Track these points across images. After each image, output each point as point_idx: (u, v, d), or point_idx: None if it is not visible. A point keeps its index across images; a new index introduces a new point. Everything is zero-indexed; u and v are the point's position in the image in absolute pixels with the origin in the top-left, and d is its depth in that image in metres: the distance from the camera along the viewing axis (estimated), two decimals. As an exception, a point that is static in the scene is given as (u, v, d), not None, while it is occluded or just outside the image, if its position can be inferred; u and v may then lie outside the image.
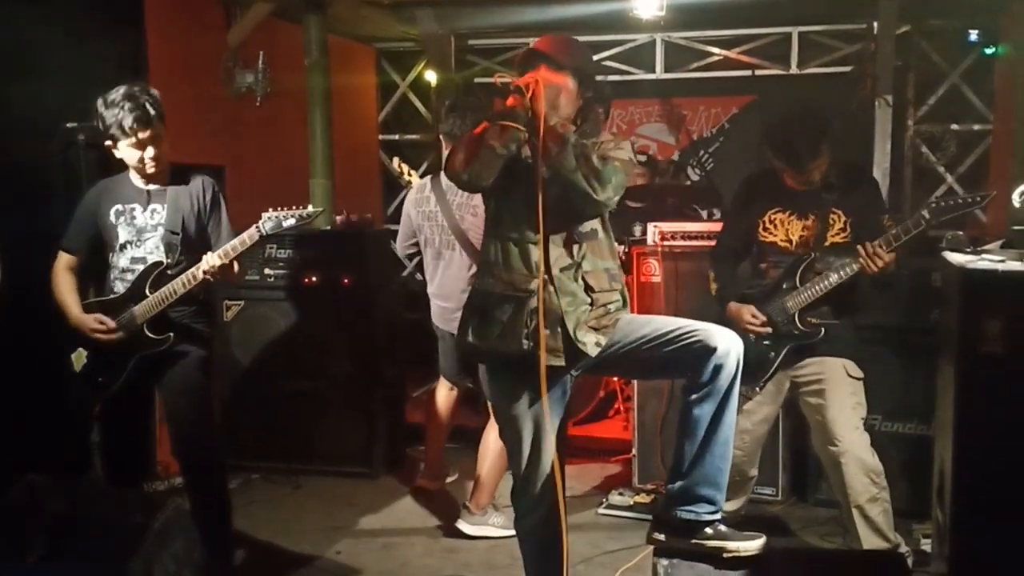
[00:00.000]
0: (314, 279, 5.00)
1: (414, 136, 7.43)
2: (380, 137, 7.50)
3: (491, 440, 4.20)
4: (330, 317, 4.99)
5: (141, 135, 3.37)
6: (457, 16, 6.58)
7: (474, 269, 4.06)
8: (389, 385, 5.18)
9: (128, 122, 3.34)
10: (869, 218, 3.52)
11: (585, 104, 2.91)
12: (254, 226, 3.47)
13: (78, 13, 4.33)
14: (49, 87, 4.20)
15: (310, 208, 3.53)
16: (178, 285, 3.43)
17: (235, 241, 3.47)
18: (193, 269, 3.41)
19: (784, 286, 3.59)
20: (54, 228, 4.07)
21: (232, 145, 5.42)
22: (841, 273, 3.46)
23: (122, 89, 3.41)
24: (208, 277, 3.40)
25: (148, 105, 3.37)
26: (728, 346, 2.76)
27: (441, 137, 4.35)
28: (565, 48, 2.91)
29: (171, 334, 3.49)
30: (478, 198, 4.01)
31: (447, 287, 4.26)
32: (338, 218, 5.26)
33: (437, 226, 4.24)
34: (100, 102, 3.40)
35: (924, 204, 3.37)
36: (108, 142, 3.44)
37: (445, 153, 4.28)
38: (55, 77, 4.21)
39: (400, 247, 4.59)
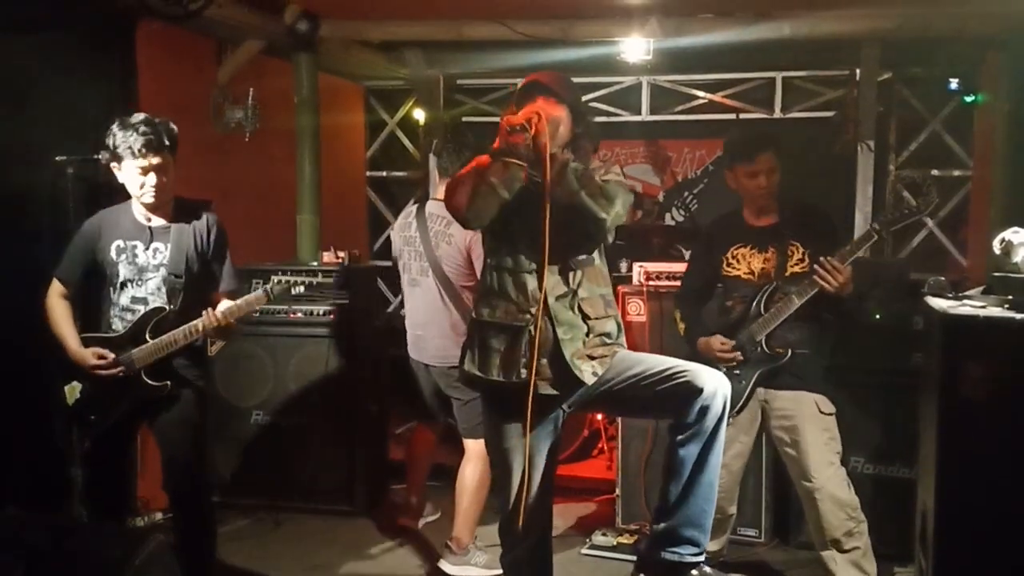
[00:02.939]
0: (298, 315, 5.00)
1: (402, 173, 7.47)
2: (368, 174, 7.54)
3: (467, 477, 4.19)
4: (314, 353, 4.98)
5: (148, 160, 3.34)
6: (446, 58, 6.65)
7: (446, 299, 4.12)
8: (372, 422, 5.16)
9: (138, 144, 3.32)
10: (824, 250, 3.59)
11: (576, 139, 2.95)
12: (262, 289, 3.50)
13: (70, 47, 4.35)
14: (40, 121, 4.21)
15: (320, 278, 3.62)
16: (179, 335, 3.40)
17: (241, 301, 3.47)
18: (195, 322, 3.39)
19: (750, 314, 3.68)
20: (40, 261, 4.06)
21: (220, 180, 5.42)
22: (803, 295, 3.55)
23: (142, 115, 3.41)
24: (207, 332, 3.41)
25: (163, 133, 3.37)
26: (715, 387, 2.78)
27: (435, 172, 4.38)
28: (562, 82, 2.96)
29: (168, 383, 3.45)
30: (455, 227, 4.06)
31: (419, 315, 4.28)
32: (325, 254, 5.27)
33: (415, 252, 4.26)
34: (117, 123, 3.39)
35: (874, 218, 3.50)
36: (113, 163, 3.42)
37: (436, 186, 4.32)
38: (46, 111, 4.23)
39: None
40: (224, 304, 3.49)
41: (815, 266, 3.49)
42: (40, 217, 4.16)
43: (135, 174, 3.38)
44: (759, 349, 3.64)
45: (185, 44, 5.15)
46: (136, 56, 4.66)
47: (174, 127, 3.45)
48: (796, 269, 3.66)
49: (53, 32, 4.27)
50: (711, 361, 3.65)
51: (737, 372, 3.66)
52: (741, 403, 3.66)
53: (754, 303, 3.67)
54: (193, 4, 4.24)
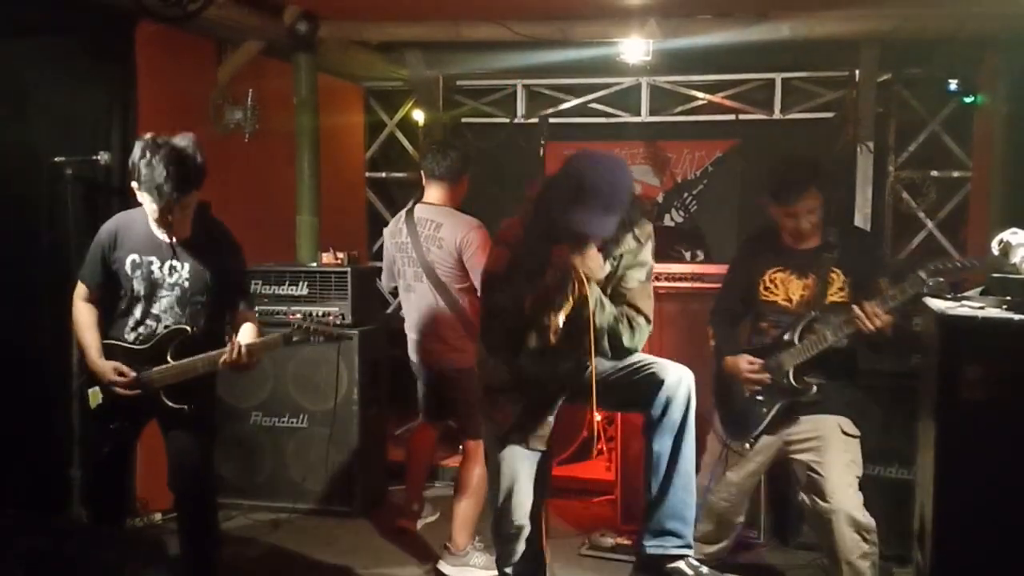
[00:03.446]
0: (298, 316, 4.98)
1: (401, 174, 7.46)
2: (367, 175, 7.53)
3: (466, 478, 4.20)
4: (314, 354, 4.98)
5: (171, 200, 3.21)
6: (446, 59, 6.64)
7: (441, 303, 4.14)
8: (371, 423, 5.16)
9: (165, 185, 3.14)
10: (868, 278, 3.54)
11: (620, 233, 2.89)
12: (280, 333, 3.51)
13: (69, 49, 4.36)
14: (39, 123, 4.21)
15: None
16: (200, 364, 3.39)
17: (262, 342, 3.46)
18: (216, 354, 3.37)
19: (783, 342, 3.60)
20: (40, 263, 4.06)
21: (219, 181, 5.39)
22: (838, 333, 3.46)
23: (169, 145, 3.19)
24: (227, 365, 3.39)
25: (191, 171, 3.20)
26: (677, 378, 2.85)
27: (422, 173, 4.37)
28: (616, 198, 2.73)
29: (186, 407, 3.43)
30: (445, 231, 4.08)
31: (416, 320, 4.28)
32: (324, 255, 5.27)
33: (408, 258, 4.24)
34: (143, 145, 3.19)
35: (922, 266, 3.32)
36: (134, 183, 3.29)
37: (427, 188, 4.30)
38: (45, 112, 4.23)
39: (385, 283, 4.60)
40: (246, 336, 3.46)
41: (854, 306, 3.39)
42: (39, 218, 4.17)
43: (154, 206, 3.25)
44: (786, 380, 3.57)
45: (185, 45, 5.16)
46: (135, 57, 4.67)
47: (201, 159, 3.25)
48: (836, 298, 3.57)
49: (52, 35, 4.27)
50: (737, 380, 3.64)
51: (760, 398, 3.61)
52: (761, 430, 3.62)
53: (790, 332, 3.58)
54: (192, 5, 4.23)
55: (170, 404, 3.42)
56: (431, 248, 4.14)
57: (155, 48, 4.79)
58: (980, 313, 2.81)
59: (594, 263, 2.77)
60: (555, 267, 2.75)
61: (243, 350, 3.37)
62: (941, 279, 3.27)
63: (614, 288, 2.92)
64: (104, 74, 4.53)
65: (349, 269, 5.08)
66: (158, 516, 4.63)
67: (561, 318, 2.74)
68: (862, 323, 3.36)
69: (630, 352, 2.91)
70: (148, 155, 3.17)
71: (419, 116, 7.15)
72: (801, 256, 3.64)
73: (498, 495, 3.06)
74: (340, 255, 5.21)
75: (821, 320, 3.53)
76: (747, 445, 3.64)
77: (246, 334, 3.48)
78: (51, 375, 4.12)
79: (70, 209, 4.09)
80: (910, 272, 3.32)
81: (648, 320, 2.94)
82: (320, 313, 4.94)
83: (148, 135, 3.25)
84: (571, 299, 2.74)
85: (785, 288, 3.65)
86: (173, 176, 3.15)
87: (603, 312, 2.80)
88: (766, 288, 3.68)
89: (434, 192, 4.25)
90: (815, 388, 3.55)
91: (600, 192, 2.66)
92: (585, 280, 2.73)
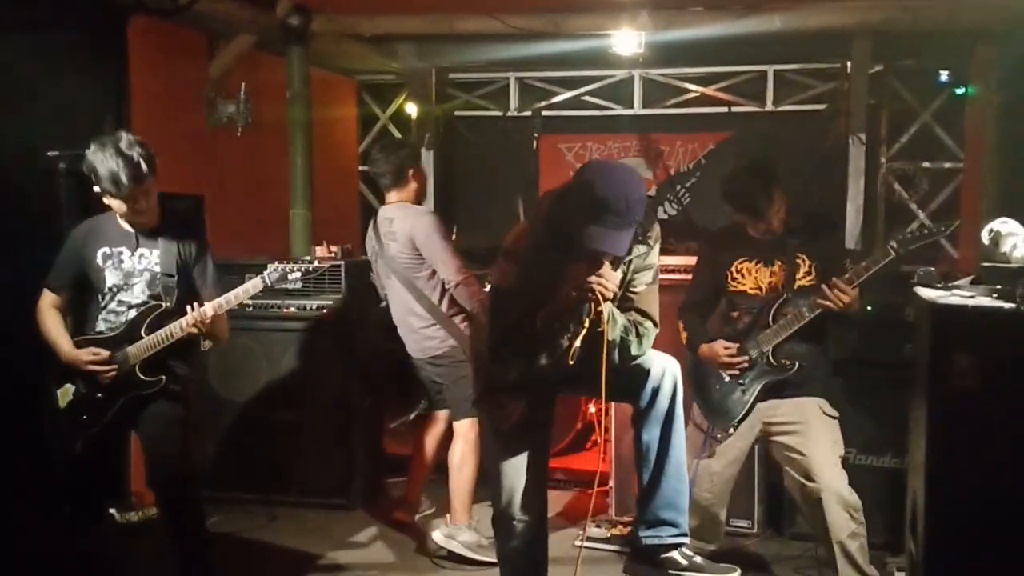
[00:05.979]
0: (292, 309, 5.01)
1: (394, 168, 7.45)
2: (360, 168, 7.54)
3: (454, 456, 4.30)
4: (309, 347, 4.99)
5: (131, 191, 3.35)
6: (438, 52, 6.66)
7: (411, 295, 4.24)
8: (367, 416, 5.17)
9: (122, 178, 3.30)
10: (833, 262, 3.61)
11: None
12: (259, 276, 3.51)
13: (62, 44, 4.35)
14: (32, 117, 4.21)
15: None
16: (175, 329, 3.42)
17: (238, 290, 3.48)
18: (183, 319, 3.41)
19: (757, 324, 3.65)
20: (31, 257, 4.05)
21: (212, 175, 5.42)
22: (813, 310, 3.51)
23: (114, 142, 3.34)
24: (196, 329, 3.40)
25: (141, 161, 3.33)
26: (662, 368, 2.85)
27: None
28: (634, 214, 2.65)
29: (163, 377, 3.47)
30: (396, 224, 4.21)
31: (395, 314, 4.42)
32: (317, 249, 5.27)
33: (378, 258, 4.41)
34: (92, 152, 3.33)
35: (892, 236, 3.45)
36: (96, 189, 3.40)
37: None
38: (38, 107, 4.23)
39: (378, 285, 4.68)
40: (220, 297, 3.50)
41: (823, 286, 3.46)
42: (32, 213, 4.17)
43: (120, 202, 3.40)
44: (765, 360, 3.62)
45: (177, 39, 5.15)
46: (128, 51, 4.66)
47: (149, 150, 3.40)
48: (804, 282, 3.62)
49: (45, 29, 4.26)
50: (715, 368, 3.67)
51: (741, 382, 3.65)
52: (743, 414, 3.65)
53: (763, 315, 3.63)
54: (184, -2, 4.24)
55: (145, 379, 3.46)
56: (390, 244, 4.27)
57: (148, 42, 4.78)
58: (970, 302, 2.83)
59: (611, 282, 2.72)
60: (571, 287, 2.71)
61: (206, 308, 3.40)
62: (911, 247, 3.39)
63: (623, 293, 2.88)
64: (97, 68, 4.53)
65: (343, 262, 5.09)
66: (154, 510, 4.62)
67: (578, 343, 2.72)
68: (832, 301, 3.43)
69: (637, 359, 2.86)
70: (99, 153, 3.33)
71: (412, 109, 7.15)
72: (766, 245, 3.68)
73: (500, 491, 3.06)
74: (334, 248, 5.20)
75: (792, 303, 3.59)
76: (730, 430, 3.67)
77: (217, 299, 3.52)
78: (41, 373, 4.11)
79: (63, 203, 4.09)
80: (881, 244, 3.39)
81: (655, 323, 2.91)
82: (314, 307, 4.99)
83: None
84: (587, 322, 2.71)
85: (753, 277, 3.70)
86: (125, 165, 3.30)
87: (615, 327, 2.77)
88: (733, 279, 3.73)
89: (391, 194, 4.38)
90: (796, 366, 3.59)
91: (619, 210, 2.56)
92: (601, 299, 2.69)
